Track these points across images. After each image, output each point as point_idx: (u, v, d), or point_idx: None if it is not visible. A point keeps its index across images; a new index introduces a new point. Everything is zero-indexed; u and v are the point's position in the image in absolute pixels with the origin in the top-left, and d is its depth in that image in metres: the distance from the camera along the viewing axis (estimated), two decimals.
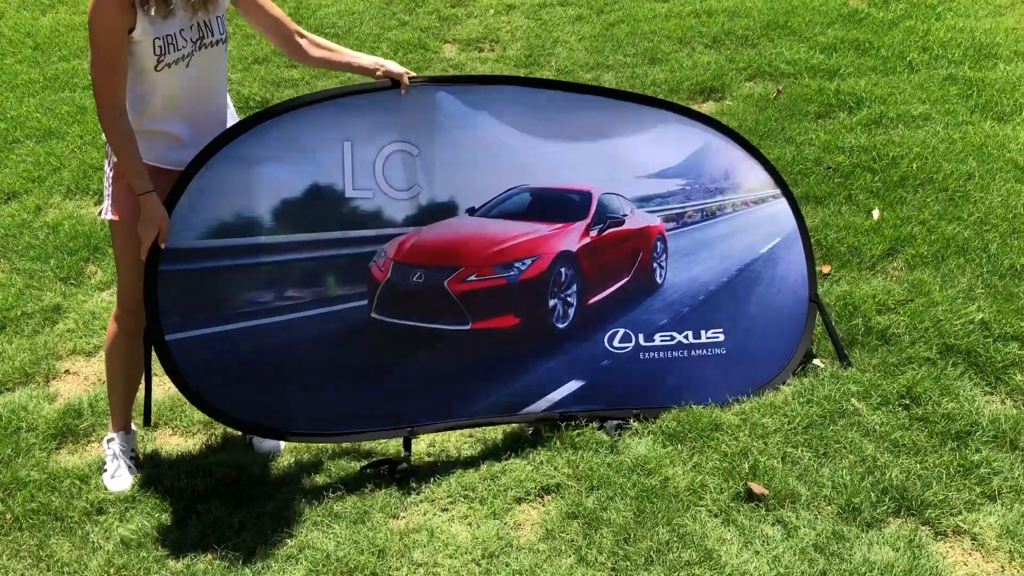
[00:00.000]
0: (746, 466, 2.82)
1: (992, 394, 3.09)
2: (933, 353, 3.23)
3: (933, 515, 2.64)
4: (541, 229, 2.98)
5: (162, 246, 2.57)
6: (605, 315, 3.04)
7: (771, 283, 3.19)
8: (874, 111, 4.81)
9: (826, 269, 3.75)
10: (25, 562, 2.62)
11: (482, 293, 2.87)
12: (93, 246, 4.08)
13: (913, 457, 2.83)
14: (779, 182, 3.25)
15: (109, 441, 2.93)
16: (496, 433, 3.03)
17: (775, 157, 4.41)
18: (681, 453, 2.89)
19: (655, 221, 3.09)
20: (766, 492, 2.72)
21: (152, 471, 2.91)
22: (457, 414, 2.91)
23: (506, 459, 2.90)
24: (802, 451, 2.87)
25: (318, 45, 2.75)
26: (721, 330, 3.13)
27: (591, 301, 3.03)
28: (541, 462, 2.88)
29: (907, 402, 3.04)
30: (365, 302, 2.79)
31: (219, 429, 3.10)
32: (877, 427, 2.94)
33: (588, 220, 3.02)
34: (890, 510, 2.66)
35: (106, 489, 2.84)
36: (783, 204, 3.25)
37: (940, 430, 2.92)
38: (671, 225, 3.11)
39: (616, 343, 3.03)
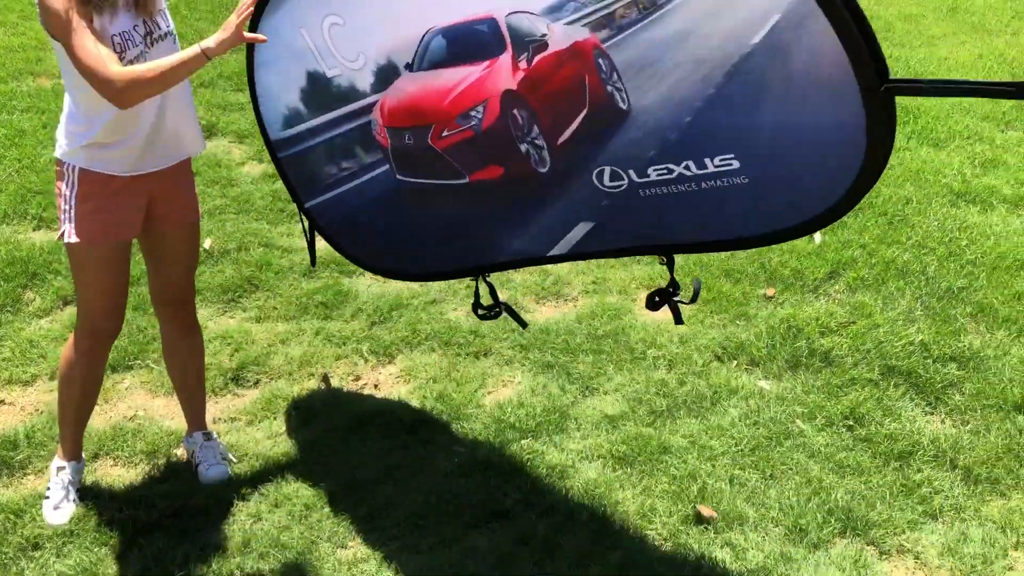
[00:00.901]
0: (695, 489, 2.84)
1: (932, 414, 3.16)
2: (875, 374, 3.30)
3: (878, 535, 2.68)
4: (473, 71, 2.71)
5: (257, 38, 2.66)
6: (581, 153, 2.63)
7: (788, 83, 2.23)
8: None
9: (771, 292, 3.81)
10: None
11: (460, 146, 2.82)
12: (31, 272, 3.98)
13: (857, 477, 2.87)
14: None
15: (60, 470, 2.84)
16: (444, 465, 3.02)
17: None
18: (631, 476, 2.90)
19: (583, 34, 2.47)
20: (715, 515, 2.74)
21: (92, 503, 2.83)
22: (489, 260, 2.99)
23: (455, 485, 2.89)
24: (749, 473, 2.91)
25: None
26: (732, 155, 2.40)
27: (559, 141, 2.64)
28: (492, 487, 2.87)
29: (851, 423, 3.09)
30: (388, 166, 2.93)
31: (162, 459, 3.03)
32: (822, 448, 2.99)
33: (509, 51, 2.58)
34: (836, 530, 2.70)
35: (44, 521, 2.75)
36: None
37: (883, 450, 2.97)
38: (604, 34, 2.43)
39: (607, 182, 2.61)
